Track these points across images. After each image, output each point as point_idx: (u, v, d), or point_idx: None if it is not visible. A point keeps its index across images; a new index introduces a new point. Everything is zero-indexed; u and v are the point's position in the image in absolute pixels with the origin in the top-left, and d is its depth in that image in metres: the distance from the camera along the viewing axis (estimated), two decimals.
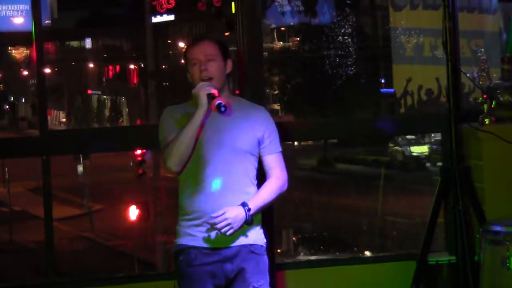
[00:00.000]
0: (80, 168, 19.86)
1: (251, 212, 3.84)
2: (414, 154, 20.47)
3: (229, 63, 4.00)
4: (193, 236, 3.89)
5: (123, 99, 26.05)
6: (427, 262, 4.85)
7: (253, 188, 3.95)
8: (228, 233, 3.80)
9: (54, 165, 5.00)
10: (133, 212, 15.42)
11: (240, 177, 3.90)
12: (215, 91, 3.82)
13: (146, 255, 13.93)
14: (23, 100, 30.88)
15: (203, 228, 3.87)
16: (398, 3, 5.53)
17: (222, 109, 3.77)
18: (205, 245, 3.88)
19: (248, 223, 3.85)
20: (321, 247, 13.05)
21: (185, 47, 4.05)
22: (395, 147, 20.66)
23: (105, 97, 26.83)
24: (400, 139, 20.02)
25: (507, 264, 4.40)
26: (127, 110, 25.48)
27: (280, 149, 4.04)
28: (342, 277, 5.23)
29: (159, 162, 14.82)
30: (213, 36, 4.19)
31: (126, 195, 16.31)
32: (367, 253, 12.55)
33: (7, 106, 30.60)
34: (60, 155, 5.61)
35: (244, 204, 3.84)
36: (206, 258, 3.87)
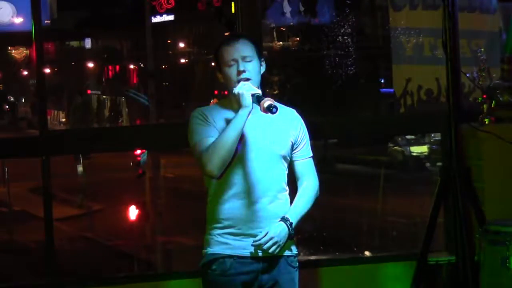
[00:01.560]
0: (80, 168, 19.85)
1: (293, 226, 3.73)
2: (414, 154, 20.45)
3: (263, 62, 3.85)
4: (228, 244, 3.73)
5: (123, 99, 26.04)
6: (427, 262, 4.85)
7: (286, 193, 3.83)
8: (276, 252, 3.68)
9: (54, 165, 5.00)
10: (133, 212, 15.40)
11: (274, 183, 3.76)
12: (260, 92, 3.65)
13: (146, 255, 13.92)
14: (23, 100, 30.86)
15: (238, 237, 3.72)
16: (398, 3, 5.53)
17: (274, 110, 3.56)
18: (242, 254, 3.73)
19: (292, 237, 3.74)
20: (321, 247, 13.04)
21: (217, 46, 3.81)
22: (395, 147, 20.64)
23: (105, 97, 26.82)
24: (400, 139, 20.00)
25: (507, 264, 4.41)
26: (127, 110, 25.46)
27: (311, 154, 3.91)
28: (342, 277, 5.23)
29: (159, 162, 14.83)
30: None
31: (126, 195, 16.30)
32: (367, 253, 12.54)
33: (7, 106, 30.58)
34: (60, 155, 5.62)
35: (284, 219, 3.71)
36: (243, 267, 3.72)
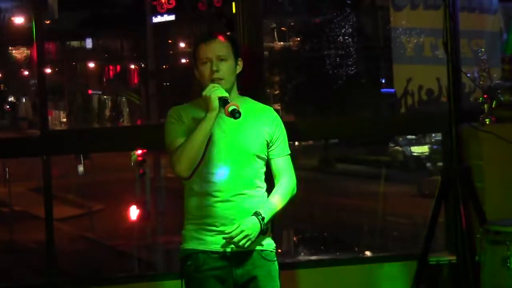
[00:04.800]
0: (80, 168, 19.87)
1: (265, 220, 3.75)
2: (415, 154, 20.46)
3: (240, 62, 3.87)
4: (202, 240, 3.79)
5: (124, 99, 26.04)
6: (427, 262, 4.85)
7: (262, 191, 3.86)
8: (246, 245, 3.71)
9: (55, 165, 5.00)
10: (133, 212, 15.40)
11: (249, 181, 3.79)
12: (227, 95, 3.69)
13: (146, 255, 13.92)
14: (24, 100, 30.87)
15: (211, 233, 3.77)
16: (399, 3, 5.52)
17: (237, 115, 3.63)
18: (215, 249, 3.78)
19: (264, 232, 3.76)
20: (321, 247, 13.04)
21: (195, 43, 3.88)
22: (395, 147, 20.64)
23: (105, 97, 26.82)
24: (400, 139, 20.00)
25: (508, 264, 4.40)
26: (127, 110, 25.46)
27: (288, 152, 3.93)
28: (342, 277, 5.23)
29: (159, 162, 14.83)
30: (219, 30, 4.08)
31: (126, 195, 16.30)
32: (368, 253, 12.54)
33: (8, 106, 30.59)
34: (60, 155, 5.62)
35: (257, 214, 3.74)
36: (215, 263, 3.77)
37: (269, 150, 3.87)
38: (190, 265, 3.79)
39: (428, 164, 19.40)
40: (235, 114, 3.63)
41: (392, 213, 14.85)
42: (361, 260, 6.45)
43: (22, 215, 16.70)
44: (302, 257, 9.84)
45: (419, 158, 20.23)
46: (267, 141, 3.85)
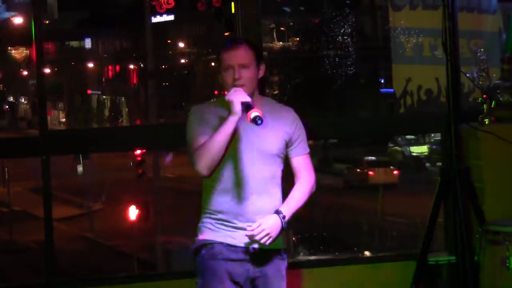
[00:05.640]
0: (80, 168, 19.87)
1: (286, 218, 3.83)
2: (414, 154, 20.48)
3: (262, 67, 3.94)
4: (218, 232, 3.85)
5: (123, 99, 26.04)
6: (427, 262, 4.85)
7: (279, 189, 3.92)
8: (267, 243, 3.78)
9: (54, 165, 5.00)
10: (133, 212, 15.42)
11: (267, 180, 3.87)
12: (250, 100, 3.75)
13: (146, 255, 13.94)
14: (23, 100, 30.88)
15: (229, 228, 3.84)
16: (398, 3, 5.52)
17: (259, 122, 3.70)
18: (232, 242, 3.83)
19: (284, 230, 3.83)
20: (321, 247, 13.06)
21: (221, 48, 3.94)
22: (395, 147, 20.67)
23: (105, 97, 26.82)
24: (400, 139, 20.02)
25: (507, 264, 4.40)
26: (127, 110, 25.47)
27: (308, 150, 4.00)
28: (342, 277, 5.23)
29: (159, 162, 14.84)
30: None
31: (126, 195, 16.31)
32: (367, 253, 12.56)
33: (7, 106, 30.60)
34: (60, 155, 5.61)
35: (278, 212, 3.82)
36: (231, 254, 3.83)
37: (288, 149, 3.95)
38: (205, 254, 3.87)
39: (428, 164, 19.43)
40: (257, 121, 3.71)
41: (392, 213, 14.86)
42: (360, 260, 6.44)
43: (21, 215, 16.72)
44: (302, 257, 9.83)
45: (418, 158, 20.26)
46: (286, 141, 3.93)
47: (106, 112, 26.30)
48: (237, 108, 3.72)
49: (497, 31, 5.74)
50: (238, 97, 3.74)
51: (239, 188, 3.83)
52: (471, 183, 4.77)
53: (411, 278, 4.81)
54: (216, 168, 3.81)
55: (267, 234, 3.77)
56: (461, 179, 4.69)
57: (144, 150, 12.79)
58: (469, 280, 4.56)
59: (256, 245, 3.82)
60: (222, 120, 3.78)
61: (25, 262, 12.82)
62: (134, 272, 12.75)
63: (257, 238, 3.76)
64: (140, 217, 15.46)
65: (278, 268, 3.92)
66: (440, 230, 5.23)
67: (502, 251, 4.43)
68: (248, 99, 3.75)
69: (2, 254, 14.61)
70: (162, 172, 14.99)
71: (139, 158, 14.24)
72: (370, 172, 18.37)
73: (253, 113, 3.72)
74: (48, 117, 5.36)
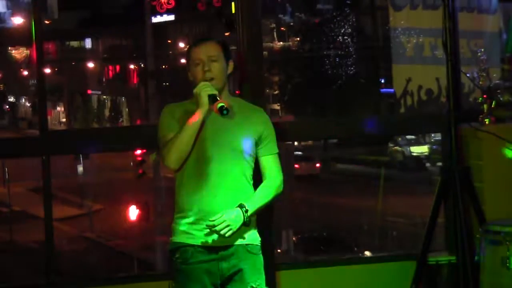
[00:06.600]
0: (80, 168, 19.87)
1: (249, 213, 3.88)
2: (414, 154, 20.48)
3: (231, 64, 4.03)
4: (190, 234, 3.92)
5: (123, 99, 26.06)
6: (427, 262, 4.85)
7: (249, 187, 3.98)
8: (227, 235, 3.83)
9: (54, 165, 5.00)
10: (133, 212, 15.43)
11: (236, 177, 3.93)
12: (216, 93, 3.84)
13: (146, 255, 13.94)
14: (23, 100, 30.89)
15: (200, 227, 3.89)
16: (398, 3, 5.52)
17: (225, 112, 3.79)
18: (201, 244, 3.91)
19: (246, 224, 3.88)
20: (321, 247, 13.06)
21: (188, 46, 4.09)
22: (395, 147, 20.67)
23: (105, 97, 26.84)
24: (400, 139, 20.03)
25: (507, 264, 4.40)
26: (127, 110, 25.49)
27: (277, 150, 4.08)
28: (342, 277, 5.23)
29: (159, 162, 14.83)
30: (214, 35, 4.22)
31: (126, 195, 16.31)
32: (367, 253, 12.55)
33: (7, 106, 30.62)
34: (60, 155, 5.61)
35: (241, 206, 3.87)
36: (203, 256, 3.90)
37: (257, 148, 4.01)
38: (178, 258, 3.96)
39: (428, 164, 19.43)
40: (223, 110, 3.79)
41: (392, 213, 14.84)
42: (360, 260, 6.44)
43: (22, 215, 16.72)
44: (301, 257, 9.86)
45: (418, 158, 20.26)
46: (255, 139, 4.00)
47: (106, 112, 26.33)
48: (205, 100, 3.81)
49: (497, 31, 5.73)
50: (205, 90, 3.83)
51: (209, 186, 3.88)
52: (471, 183, 4.77)
53: (411, 278, 4.81)
54: (186, 165, 3.88)
55: (227, 226, 3.81)
56: (461, 179, 4.69)
57: (144, 150, 12.78)
58: (469, 280, 4.55)
59: (215, 237, 3.86)
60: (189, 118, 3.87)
61: (25, 262, 12.81)
62: (134, 272, 12.75)
63: (217, 228, 3.81)
64: (140, 217, 15.47)
65: (253, 263, 3.96)
66: (440, 230, 5.23)
67: (503, 251, 4.43)
68: (215, 92, 3.84)
69: (2, 254, 14.60)
70: (162, 172, 14.97)
71: (139, 158, 14.24)
72: (296, 166, 18.72)
73: (219, 104, 3.79)
74: (48, 117, 5.36)
